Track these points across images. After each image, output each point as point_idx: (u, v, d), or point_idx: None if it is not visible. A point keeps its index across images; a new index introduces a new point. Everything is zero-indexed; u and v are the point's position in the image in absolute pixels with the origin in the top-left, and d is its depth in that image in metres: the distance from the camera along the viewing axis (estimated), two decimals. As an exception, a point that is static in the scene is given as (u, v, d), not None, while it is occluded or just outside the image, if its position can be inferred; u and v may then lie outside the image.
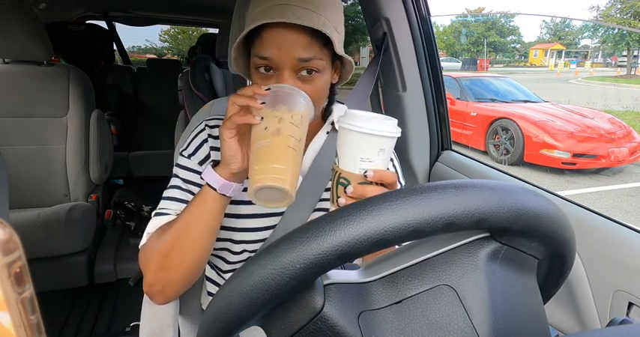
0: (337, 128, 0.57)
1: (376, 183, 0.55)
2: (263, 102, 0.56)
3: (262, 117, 0.56)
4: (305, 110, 0.59)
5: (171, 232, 0.63)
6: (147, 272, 0.64)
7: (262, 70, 0.62)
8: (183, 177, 0.71)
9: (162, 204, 0.71)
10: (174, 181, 0.72)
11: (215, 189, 0.60)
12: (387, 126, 0.54)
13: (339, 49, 0.63)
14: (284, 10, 0.58)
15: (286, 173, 0.54)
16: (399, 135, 0.56)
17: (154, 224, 0.68)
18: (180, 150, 0.75)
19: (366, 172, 0.54)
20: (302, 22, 0.57)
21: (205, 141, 0.73)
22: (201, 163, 0.72)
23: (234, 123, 0.57)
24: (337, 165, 0.57)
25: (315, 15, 0.59)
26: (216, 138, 0.73)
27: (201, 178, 0.63)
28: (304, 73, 0.62)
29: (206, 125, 0.75)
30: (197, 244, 0.63)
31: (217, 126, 0.75)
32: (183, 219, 0.63)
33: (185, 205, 0.66)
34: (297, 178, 0.56)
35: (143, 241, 0.69)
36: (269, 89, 0.57)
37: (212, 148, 0.73)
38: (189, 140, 0.75)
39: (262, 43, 0.61)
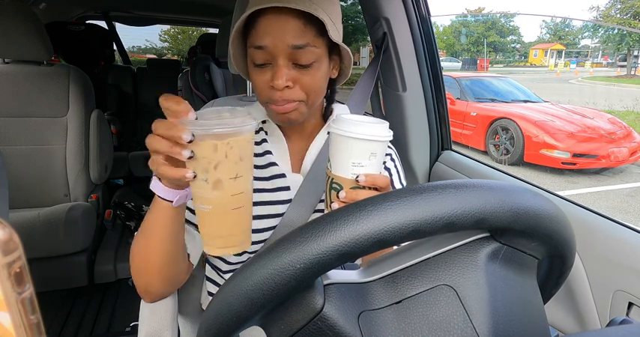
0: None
1: (369, 188, 0.55)
2: (191, 156, 0.46)
3: (195, 174, 0.47)
4: (247, 134, 0.48)
5: (139, 239, 0.61)
6: (131, 274, 0.64)
7: (258, 62, 0.62)
8: None
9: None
10: None
11: (169, 201, 0.55)
12: (378, 130, 0.53)
13: (334, 36, 0.62)
14: None
15: (232, 238, 0.51)
16: (391, 138, 0.55)
17: None
18: None
19: (357, 177, 0.54)
20: (292, 5, 0.57)
21: None
22: None
23: (165, 176, 0.49)
24: (330, 170, 0.57)
25: (306, 2, 0.59)
26: None
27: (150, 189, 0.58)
28: (300, 61, 0.61)
29: None
30: (161, 250, 0.59)
31: None
32: (144, 227, 0.59)
33: None
34: (248, 227, 0.53)
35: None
36: (191, 141, 0.45)
37: None
38: None
39: (257, 33, 0.61)
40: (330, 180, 0.57)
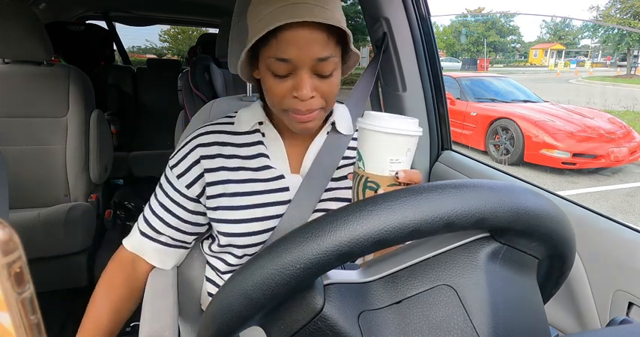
0: (359, 130, 0.56)
1: (404, 184, 0.54)
2: None
3: None
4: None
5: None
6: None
7: (281, 74, 0.61)
8: (171, 195, 0.76)
9: (151, 219, 0.77)
10: (160, 196, 0.77)
11: None
12: (412, 126, 0.53)
13: (353, 45, 0.63)
14: (300, 9, 0.57)
15: None
16: (422, 133, 0.55)
17: (143, 245, 0.78)
18: (170, 164, 0.76)
19: (397, 173, 0.52)
20: (321, 19, 0.57)
21: (197, 162, 0.73)
22: (188, 187, 0.74)
23: None
24: (362, 170, 0.54)
25: (328, 12, 0.59)
26: (210, 157, 0.73)
27: None
28: (322, 72, 0.61)
29: (198, 145, 0.74)
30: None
31: (212, 143, 0.74)
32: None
33: (173, 230, 0.77)
34: None
35: (128, 240, 0.79)
36: None
37: (206, 170, 0.73)
38: (179, 156, 0.75)
39: (279, 44, 0.59)
40: (363, 179, 0.54)
